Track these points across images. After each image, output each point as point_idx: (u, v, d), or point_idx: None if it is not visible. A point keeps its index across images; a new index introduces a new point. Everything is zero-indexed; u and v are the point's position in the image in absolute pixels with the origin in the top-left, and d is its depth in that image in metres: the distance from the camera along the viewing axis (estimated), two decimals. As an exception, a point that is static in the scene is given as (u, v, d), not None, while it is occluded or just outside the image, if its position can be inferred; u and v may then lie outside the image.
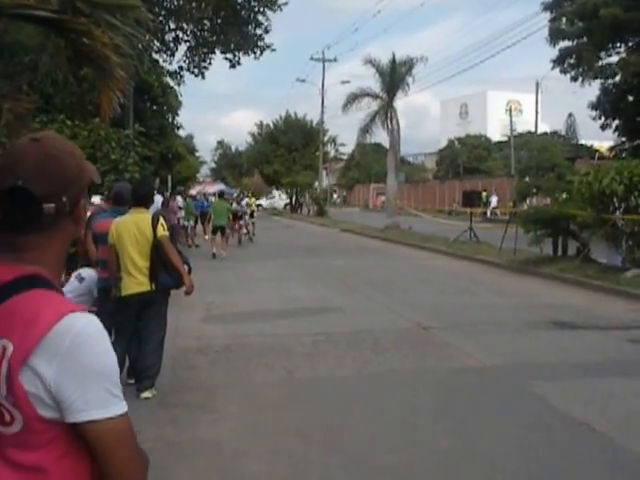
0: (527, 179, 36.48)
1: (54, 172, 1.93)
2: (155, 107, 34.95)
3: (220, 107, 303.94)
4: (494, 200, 55.06)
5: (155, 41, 31.64)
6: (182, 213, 30.47)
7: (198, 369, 9.58)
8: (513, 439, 6.87)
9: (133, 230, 8.06)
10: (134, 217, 8.19)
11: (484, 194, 56.27)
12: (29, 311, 1.79)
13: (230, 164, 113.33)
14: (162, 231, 7.98)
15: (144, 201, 8.39)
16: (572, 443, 6.72)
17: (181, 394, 8.38)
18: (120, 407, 1.84)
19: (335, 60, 66.54)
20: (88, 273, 9.03)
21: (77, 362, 1.78)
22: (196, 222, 32.77)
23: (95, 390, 1.80)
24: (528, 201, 38.83)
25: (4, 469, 1.80)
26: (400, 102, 50.13)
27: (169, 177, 44.43)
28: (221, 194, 29.15)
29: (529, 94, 68.31)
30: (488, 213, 46.99)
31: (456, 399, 8.16)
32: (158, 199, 21.22)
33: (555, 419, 7.41)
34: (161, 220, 8.07)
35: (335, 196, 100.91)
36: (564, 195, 22.18)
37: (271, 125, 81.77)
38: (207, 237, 28.95)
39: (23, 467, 1.80)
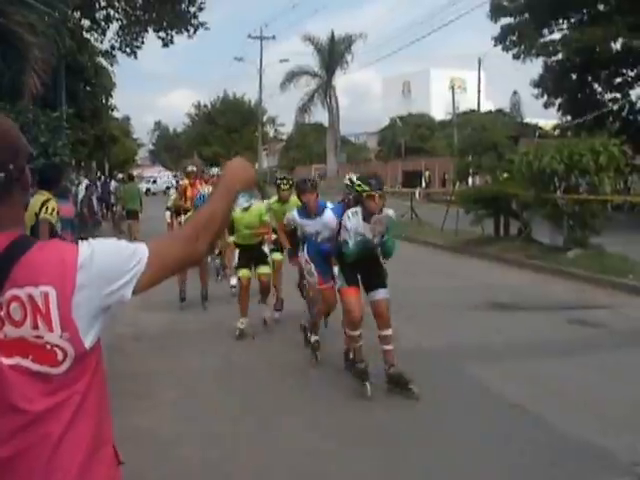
0: (470, 158, 36.75)
1: None
2: (88, 88, 34.58)
3: (157, 87, 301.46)
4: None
5: (85, 19, 31.31)
6: (112, 199, 30.24)
7: (133, 356, 9.67)
8: (446, 420, 7.02)
9: (29, 212, 8.09)
10: (33, 199, 8.26)
11: (427, 174, 56.67)
12: (52, 258, 2.05)
13: (169, 146, 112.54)
14: (44, 213, 8.04)
15: (47, 184, 8.55)
16: (505, 424, 6.86)
17: (116, 382, 8.36)
18: (142, 248, 2.17)
19: (273, 38, 66.10)
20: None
21: (105, 269, 2.09)
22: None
23: (128, 264, 2.12)
24: (470, 181, 39.17)
25: (53, 404, 2.05)
26: (341, 80, 50.40)
27: (105, 160, 44.08)
28: (130, 176, 28.77)
29: (473, 71, 68.58)
30: (417, 194, 47.05)
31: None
32: (85, 184, 20.98)
33: (489, 400, 7.56)
34: (50, 204, 8.12)
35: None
36: (505, 174, 22.45)
37: (209, 106, 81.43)
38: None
39: (68, 399, 2.08)
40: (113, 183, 32.65)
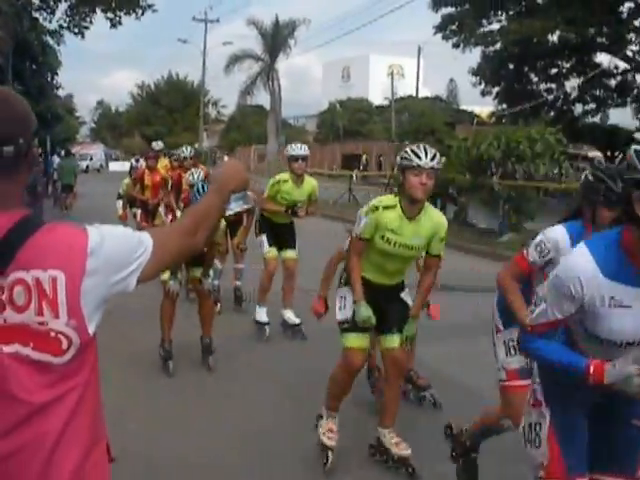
0: (407, 143, 36.98)
1: (8, 115, 2.02)
2: (35, 66, 34.14)
3: (100, 66, 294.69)
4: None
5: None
6: (55, 175, 29.85)
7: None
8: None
9: None
10: None
11: (364, 157, 57.00)
12: (61, 241, 1.99)
13: (110, 125, 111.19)
14: None
15: None
16: (444, 401, 7.09)
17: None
18: (147, 237, 2.16)
19: (218, 21, 65.74)
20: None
21: (114, 256, 2.06)
22: None
23: (135, 252, 2.11)
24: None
25: (54, 397, 2.00)
26: (283, 64, 50.32)
27: (47, 138, 43.41)
28: (67, 152, 30.14)
29: (412, 58, 68.69)
30: (354, 177, 46.79)
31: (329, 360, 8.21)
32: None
33: (429, 379, 7.66)
34: None
35: (226, 158, 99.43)
36: (442, 159, 22.65)
37: (152, 86, 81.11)
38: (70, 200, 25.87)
39: (70, 391, 2.03)
40: (56, 159, 32.38)
